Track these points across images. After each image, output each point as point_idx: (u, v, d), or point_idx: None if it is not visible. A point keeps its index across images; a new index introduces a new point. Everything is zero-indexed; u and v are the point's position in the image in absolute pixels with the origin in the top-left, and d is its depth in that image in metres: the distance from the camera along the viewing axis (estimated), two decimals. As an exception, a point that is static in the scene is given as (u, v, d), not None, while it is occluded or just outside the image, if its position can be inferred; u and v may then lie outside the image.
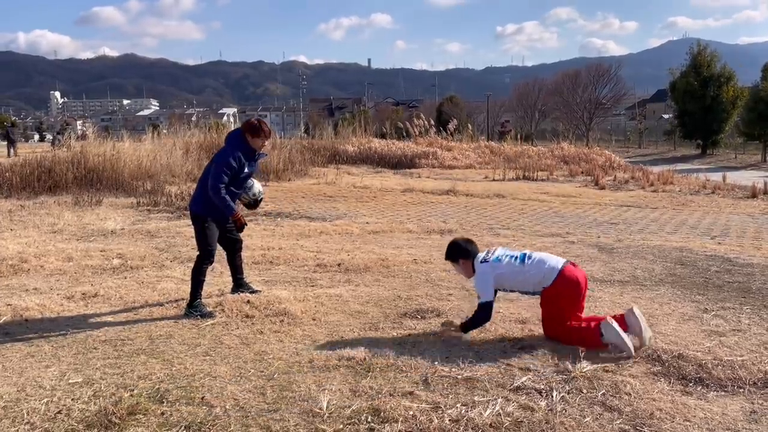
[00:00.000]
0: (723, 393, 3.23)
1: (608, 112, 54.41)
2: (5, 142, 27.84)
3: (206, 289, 4.86)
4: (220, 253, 4.94)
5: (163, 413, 2.98)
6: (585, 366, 3.48)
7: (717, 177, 16.57)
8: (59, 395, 3.19)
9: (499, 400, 3.09)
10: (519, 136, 29.93)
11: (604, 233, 8.55)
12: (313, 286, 5.49)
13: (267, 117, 77.77)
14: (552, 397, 3.14)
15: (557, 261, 4.06)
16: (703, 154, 34.79)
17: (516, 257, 4.10)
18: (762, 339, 4.01)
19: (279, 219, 9.73)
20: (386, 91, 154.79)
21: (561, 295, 3.95)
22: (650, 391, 3.21)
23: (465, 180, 17.06)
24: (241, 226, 4.82)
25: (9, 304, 4.79)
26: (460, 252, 4.25)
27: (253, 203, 5.04)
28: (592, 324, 3.85)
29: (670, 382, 3.35)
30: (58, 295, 5.15)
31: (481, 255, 4.16)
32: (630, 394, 3.17)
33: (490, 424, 2.86)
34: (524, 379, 3.36)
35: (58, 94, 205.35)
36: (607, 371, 3.47)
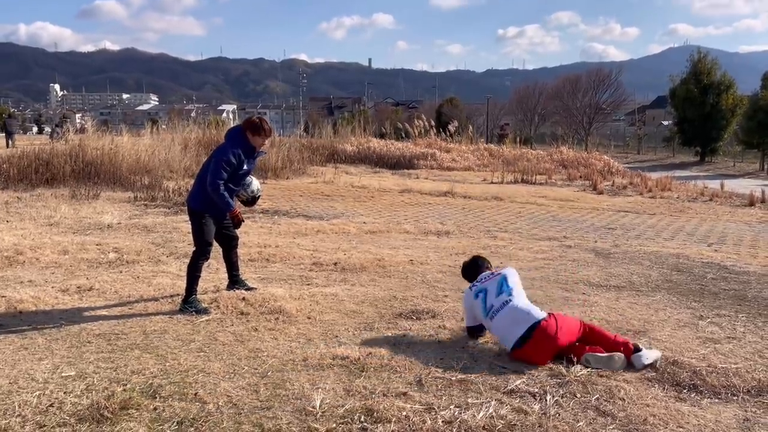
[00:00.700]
0: (717, 400, 3.23)
1: (608, 118, 54.53)
2: (3, 134, 27.75)
3: (202, 285, 4.85)
4: (216, 249, 4.93)
5: (155, 408, 2.97)
6: (579, 370, 3.48)
7: (715, 184, 16.61)
8: (52, 388, 3.18)
9: (493, 402, 3.09)
10: (518, 140, 29.96)
11: (601, 238, 8.56)
12: (308, 284, 5.48)
13: (266, 114, 77.74)
14: (546, 400, 3.13)
15: (526, 321, 3.68)
16: (701, 162, 34.89)
17: (486, 305, 3.87)
18: (756, 347, 4.01)
19: (276, 217, 9.72)
20: (386, 92, 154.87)
21: (529, 355, 3.65)
22: (644, 397, 3.21)
23: (463, 182, 17.06)
24: (238, 223, 4.81)
25: (3, 296, 4.78)
26: (466, 275, 4.36)
27: (251, 200, 5.04)
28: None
29: (664, 388, 3.35)
30: (52, 287, 5.13)
31: (482, 274, 4.17)
32: (624, 399, 3.17)
33: (483, 427, 2.85)
34: (518, 382, 3.35)
35: (57, 86, 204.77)
36: (601, 376, 3.46)
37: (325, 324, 4.36)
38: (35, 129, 74.41)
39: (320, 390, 3.19)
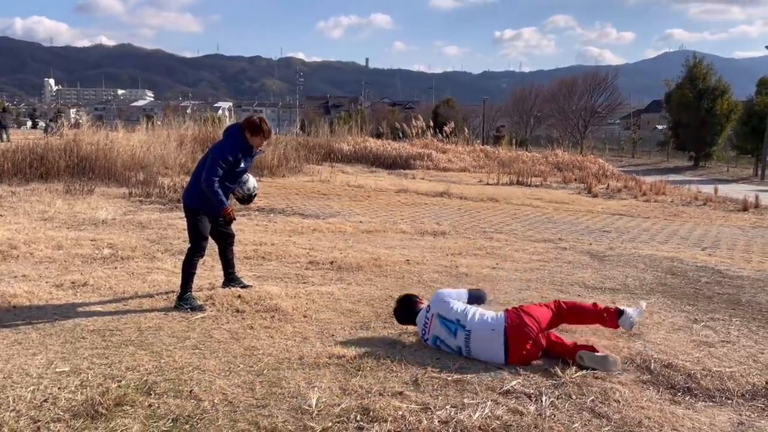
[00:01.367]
0: (711, 403, 3.24)
1: (603, 121, 54.74)
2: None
3: (197, 282, 4.84)
4: (211, 246, 4.92)
5: (150, 405, 2.96)
6: (574, 372, 3.49)
7: (709, 189, 16.68)
8: (46, 384, 3.16)
9: (489, 403, 3.09)
10: (515, 142, 30.02)
11: (596, 241, 8.58)
12: (304, 283, 5.47)
13: (263, 112, 77.57)
14: (541, 401, 3.14)
15: (497, 338, 3.60)
16: (695, 166, 35.06)
17: (454, 349, 3.72)
18: (750, 351, 4.03)
19: (272, 215, 9.70)
20: (383, 92, 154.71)
21: (521, 358, 3.59)
22: (639, 399, 3.22)
23: (459, 183, 17.08)
24: (229, 221, 4.79)
25: (-3, 291, 4.74)
26: (402, 319, 4.11)
27: (247, 198, 5.02)
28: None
29: (658, 391, 3.36)
30: (47, 282, 5.11)
31: (419, 316, 3.95)
32: (619, 401, 3.18)
33: (479, 427, 2.85)
34: (514, 382, 3.35)
35: (52, 81, 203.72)
36: (596, 378, 3.47)
37: (321, 323, 4.35)
38: (29, 123, 73.99)
39: (316, 389, 3.18)
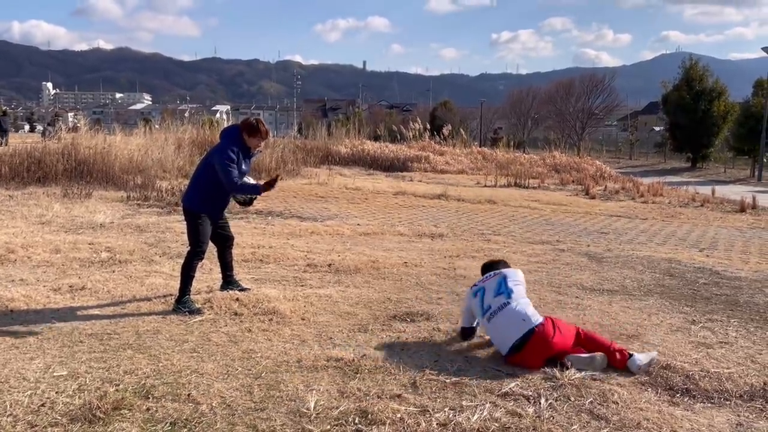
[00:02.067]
0: (710, 405, 3.25)
1: (600, 123, 54.77)
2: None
3: (195, 285, 4.83)
4: (209, 249, 4.91)
5: (148, 409, 2.95)
6: (573, 374, 3.49)
7: (706, 190, 16.70)
8: (43, 388, 3.15)
9: (487, 405, 3.09)
10: (512, 144, 30.03)
11: (594, 242, 8.59)
12: (302, 285, 5.47)
13: (260, 115, 77.48)
14: (540, 403, 3.14)
15: (521, 327, 3.65)
16: (693, 168, 35.10)
17: (483, 305, 3.87)
18: (749, 352, 4.04)
19: (270, 218, 9.70)
20: (381, 94, 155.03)
21: (525, 360, 3.64)
22: (637, 401, 3.22)
23: (457, 185, 17.08)
24: (273, 184, 4.72)
25: (-6, 295, 4.73)
26: (482, 271, 4.37)
27: (248, 201, 5.02)
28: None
29: (657, 393, 3.36)
30: (44, 286, 5.10)
31: (489, 273, 4.17)
32: (617, 403, 3.18)
33: (478, 429, 2.85)
34: (512, 385, 3.36)
35: (50, 84, 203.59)
36: (594, 380, 3.47)
37: (319, 325, 4.35)
38: (27, 127, 73.93)
39: (314, 391, 3.18)
